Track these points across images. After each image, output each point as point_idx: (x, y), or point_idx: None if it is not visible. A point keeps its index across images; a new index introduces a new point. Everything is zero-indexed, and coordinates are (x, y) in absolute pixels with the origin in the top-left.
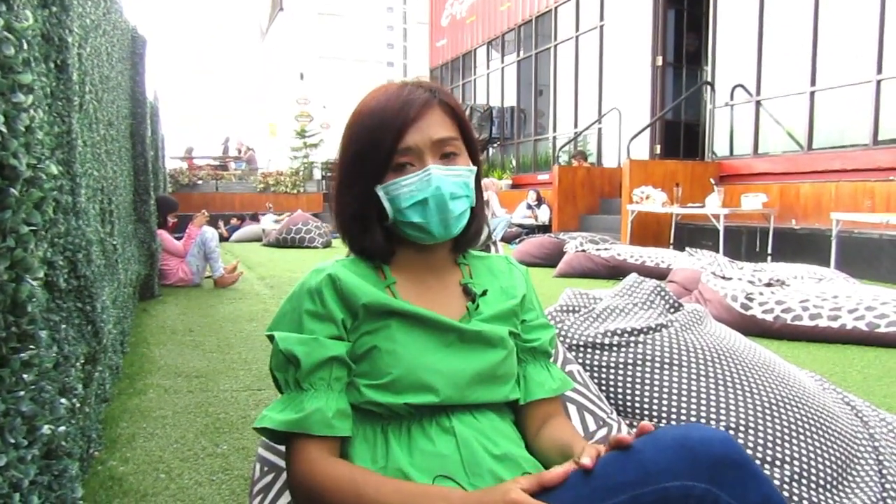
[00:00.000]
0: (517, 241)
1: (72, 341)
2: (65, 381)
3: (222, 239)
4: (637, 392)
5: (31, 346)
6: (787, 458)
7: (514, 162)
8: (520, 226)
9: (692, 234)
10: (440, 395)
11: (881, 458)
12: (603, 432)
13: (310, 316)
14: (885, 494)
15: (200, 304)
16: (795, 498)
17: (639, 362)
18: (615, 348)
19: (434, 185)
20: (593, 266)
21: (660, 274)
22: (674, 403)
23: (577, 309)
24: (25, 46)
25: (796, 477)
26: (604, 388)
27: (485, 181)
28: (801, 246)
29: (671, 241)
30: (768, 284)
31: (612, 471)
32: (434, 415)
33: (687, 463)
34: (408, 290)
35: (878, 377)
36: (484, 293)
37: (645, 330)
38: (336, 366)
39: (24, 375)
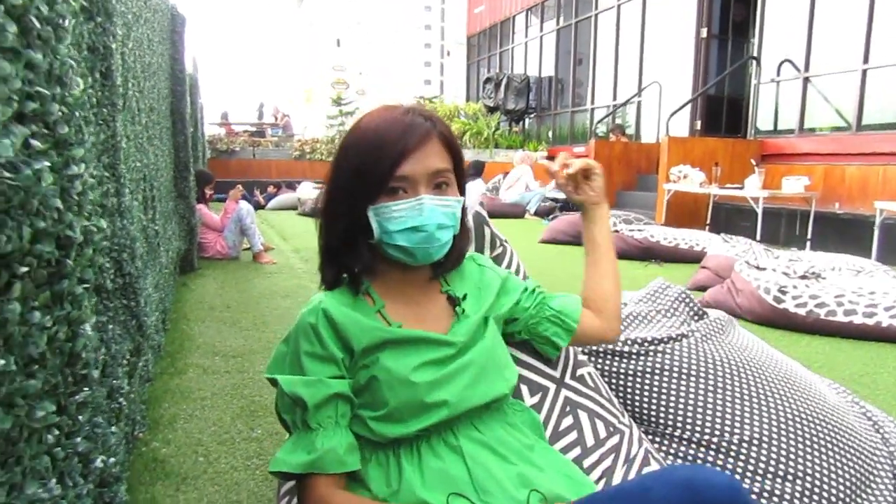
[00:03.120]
0: (550, 217)
1: (118, 339)
2: (112, 384)
3: (259, 207)
4: (654, 402)
5: (86, 388)
6: (801, 474)
7: (550, 133)
8: (554, 199)
9: (730, 215)
10: (450, 406)
11: None
12: (615, 440)
13: (309, 357)
14: None
15: (237, 279)
16: None
17: (657, 372)
18: (634, 357)
19: (425, 215)
20: (625, 247)
21: (693, 257)
22: (689, 414)
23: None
24: (77, 115)
25: (807, 493)
26: (621, 395)
27: (519, 154)
28: (842, 232)
29: (708, 221)
30: (803, 277)
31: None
32: (441, 433)
33: (690, 502)
34: (397, 310)
35: None
36: (464, 297)
37: (665, 339)
38: (341, 402)
39: (80, 416)
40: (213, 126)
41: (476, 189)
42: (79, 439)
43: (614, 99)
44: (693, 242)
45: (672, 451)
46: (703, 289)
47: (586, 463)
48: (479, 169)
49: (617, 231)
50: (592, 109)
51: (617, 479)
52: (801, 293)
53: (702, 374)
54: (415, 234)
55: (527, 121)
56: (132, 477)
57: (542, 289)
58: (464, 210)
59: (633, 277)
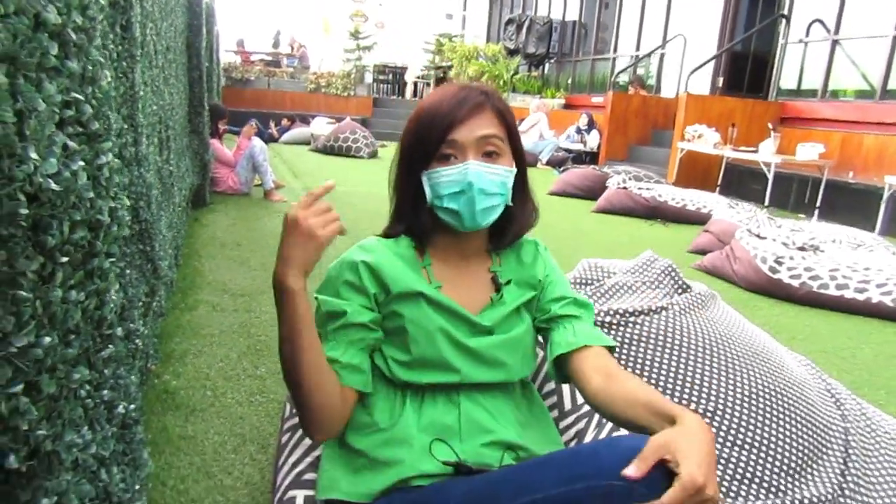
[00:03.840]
0: (562, 168)
1: (135, 283)
2: (129, 327)
3: (272, 140)
4: (630, 370)
5: (111, 345)
6: (756, 443)
7: (569, 81)
8: (567, 150)
9: (742, 177)
10: (461, 374)
11: (850, 450)
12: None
13: (347, 286)
14: (844, 487)
15: (248, 216)
16: (757, 480)
17: (634, 342)
18: (615, 326)
19: (470, 178)
20: (633, 205)
21: (699, 219)
22: (661, 383)
23: (589, 282)
24: (105, 108)
25: (761, 461)
26: None
27: (535, 101)
28: (852, 201)
29: (719, 182)
30: (801, 248)
31: (572, 463)
32: (447, 391)
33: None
34: (441, 272)
35: (890, 355)
36: (508, 282)
37: (645, 311)
38: (358, 329)
39: (105, 370)
40: (228, 53)
41: None
42: (105, 391)
43: (637, 49)
44: (700, 204)
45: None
46: (703, 252)
47: (562, 424)
48: None
49: (625, 188)
50: (614, 59)
51: (587, 440)
52: (796, 265)
53: (675, 346)
54: (461, 197)
55: (547, 66)
56: (145, 406)
57: (576, 308)
58: (529, 189)
59: (637, 236)
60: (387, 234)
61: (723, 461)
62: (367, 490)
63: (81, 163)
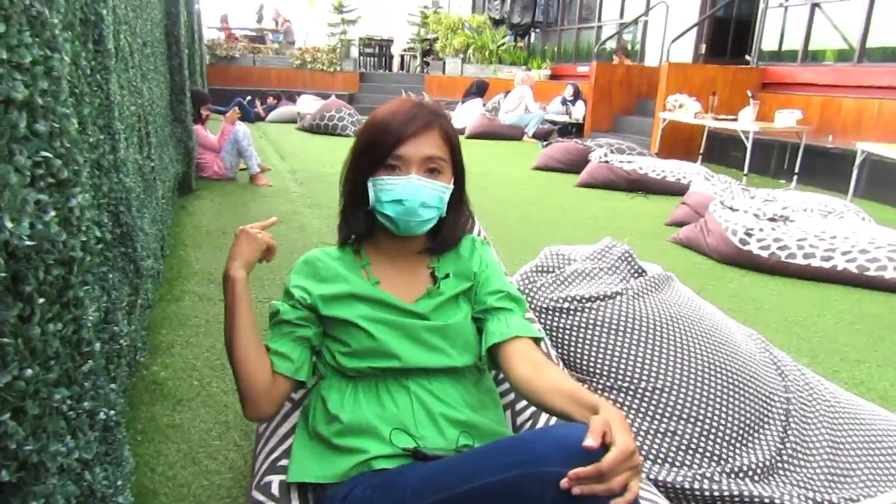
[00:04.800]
0: (545, 143)
1: (117, 285)
2: (113, 330)
3: (259, 119)
4: (585, 353)
5: (90, 360)
6: (700, 417)
7: (556, 50)
8: (552, 122)
9: (724, 145)
10: (402, 360)
11: (790, 419)
12: None
13: (287, 291)
14: (783, 452)
15: (234, 202)
16: (701, 450)
17: (590, 326)
18: (572, 312)
19: (410, 191)
20: (614, 178)
21: (679, 189)
22: (613, 364)
23: (550, 269)
24: (74, 153)
25: (704, 433)
26: (559, 347)
27: (520, 74)
28: (830, 166)
29: (701, 151)
30: (772, 219)
31: (511, 451)
32: (396, 377)
33: (563, 455)
34: (380, 269)
35: (850, 322)
36: (447, 276)
37: (600, 297)
38: (289, 325)
39: (86, 383)
40: (211, 30)
41: (475, 109)
42: (86, 402)
43: (621, 17)
44: (680, 175)
45: (598, 395)
46: (681, 224)
47: (518, 406)
48: (482, 89)
49: (607, 162)
50: (599, 27)
51: (542, 422)
52: (765, 236)
53: (628, 329)
54: (399, 206)
55: (532, 36)
56: (134, 397)
57: (510, 302)
58: (465, 201)
59: (616, 210)
60: (340, 243)
61: (670, 434)
62: (334, 472)
63: (53, 213)
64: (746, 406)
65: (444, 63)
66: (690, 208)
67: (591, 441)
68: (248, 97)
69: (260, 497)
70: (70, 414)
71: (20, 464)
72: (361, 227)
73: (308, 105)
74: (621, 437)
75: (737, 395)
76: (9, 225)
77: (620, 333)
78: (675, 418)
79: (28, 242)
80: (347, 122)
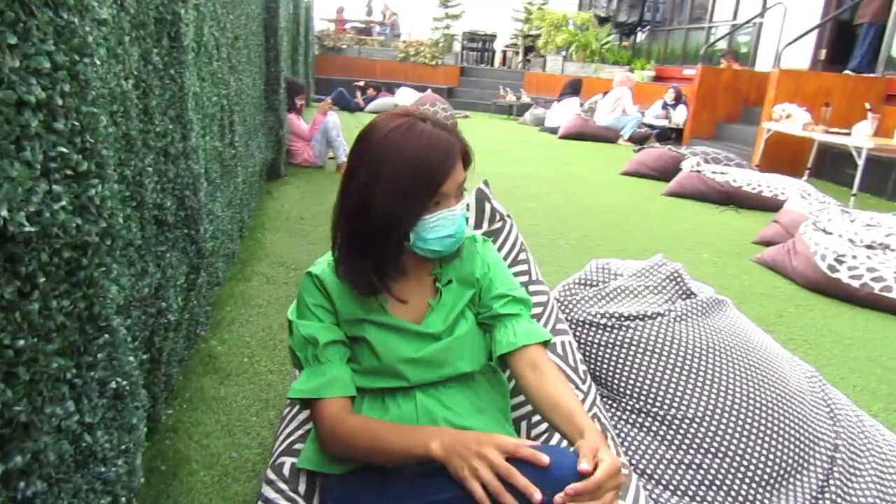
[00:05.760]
0: (637, 148)
1: (175, 264)
2: (161, 306)
3: (358, 109)
4: (617, 372)
5: (106, 334)
6: (732, 453)
7: (661, 51)
8: (650, 126)
9: (836, 161)
10: (410, 380)
11: (835, 467)
12: None
13: (315, 307)
14: (819, 503)
15: (318, 190)
16: (726, 488)
17: (625, 345)
18: (608, 329)
19: (457, 224)
20: (705, 189)
21: (776, 206)
22: (646, 387)
23: (593, 283)
24: (101, 148)
25: (733, 470)
26: (591, 362)
27: (619, 75)
28: None
29: (808, 166)
30: (869, 246)
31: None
32: (404, 390)
33: (542, 481)
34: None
35: None
36: (449, 282)
37: (640, 316)
38: (342, 345)
39: (99, 354)
40: (322, 21)
41: (570, 108)
42: (96, 372)
43: (734, 18)
44: (778, 191)
45: (625, 417)
46: (769, 244)
47: (534, 419)
48: (576, 88)
49: (699, 172)
50: (710, 28)
51: (558, 436)
52: (858, 264)
53: (664, 352)
54: (448, 240)
55: (638, 35)
56: (188, 368)
57: (517, 306)
58: None
59: (700, 223)
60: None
61: (695, 466)
62: (337, 466)
63: (63, 202)
64: (785, 448)
65: (545, 60)
66: (782, 227)
67: (585, 465)
68: (356, 84)
69: (272, 476)
70: (76, 381)
71: (6, 421)
72: (390, 266)
73: (406, 97)
74: (609, 456)
75: (776, 435)
76: (3, 213)
77: (656, 356)
78: (702, 451)
79: (28, 228)
80: (441, 115)
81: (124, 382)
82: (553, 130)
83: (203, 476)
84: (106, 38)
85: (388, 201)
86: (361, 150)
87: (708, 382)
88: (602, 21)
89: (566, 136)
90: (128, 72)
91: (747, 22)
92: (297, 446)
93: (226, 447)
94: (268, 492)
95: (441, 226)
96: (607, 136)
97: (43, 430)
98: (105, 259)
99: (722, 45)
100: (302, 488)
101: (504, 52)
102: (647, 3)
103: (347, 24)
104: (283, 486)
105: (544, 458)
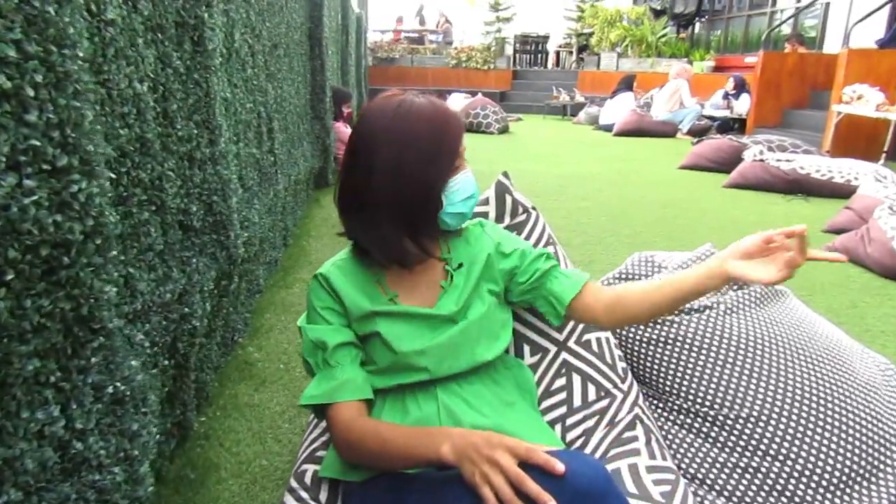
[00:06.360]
0: (695, 140)
1: (202, 269)
2: (184, 311)
3: None
4: (662, 370)
5: (101, 336)
6: (794, 455)
7: (721, 40)
8: (710, 118)
9: None
10: (429, 371)
11: None
12: (603, 403)
13: (324, 310)
14: None
15: None
16: (788, 494)
17: (670, 341)
18: (650, 325)
19: (474, 184)
20: (770, 179)
21: (849, 192)
22: (693, 386)
23: (635, 277)
24: (86, 144)
25: (796, 475)
26: (633, 359)
27: (675, 67)
28: None
29: (885, 149)
30: None
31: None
32: (424, 386)
33: (557, 488)
34: (395, 278)
35: None
36: (460, 266)
37: (686, 310)
38: (353, 346)
39: (93, 358)
40: (375, 33)
41: (625, 104)
42: (89, 376)
43: (799, 0)
44: (851, 176)
45: (671, 418)
46: (841, 232)
47: (569, 421)
48: (629, 83)
49: (762, 160)
50: (772, 13)
51: (596, 439)
52: None
53: (713, 348)
54: (471, 201)
55: (697, 26)
56: (224, 375)
57: (550, 259)
58: None
59: (765, 213)
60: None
61: (751, 471)
62: (360, 476)
63: (34, 197)
64: (856, 449)
65: (599, 58)
66: (855, 213)
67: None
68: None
69: (294, 484)
70: (63, 385)
71: None
72: (429, 232)
73: (456, 103)
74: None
75: (844, 435)
76: None
77: (703, 352)
78: (759, 454)
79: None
80: (492, 119)
81: (124, 387)
82: (608, 128)
83: (231, 484)
84: (114, 38)
85: (421, 168)
86: (374, 130)
87: (764, 379)
88: (657, 14)
89: (621, 133)
90: (142, 74)
91: (811, 3)
92: (319, 453)
93: (256, 455)
94: (289, 500)
95: (463, 187)
96: (665, 131)
97: (18, 435)
98: (94, 258)
99: (786, 29)
100: (323, 497)
101: (557, 53)
102: None
103: (402, 35)
104: (305, 495)
105: (559, 466)
